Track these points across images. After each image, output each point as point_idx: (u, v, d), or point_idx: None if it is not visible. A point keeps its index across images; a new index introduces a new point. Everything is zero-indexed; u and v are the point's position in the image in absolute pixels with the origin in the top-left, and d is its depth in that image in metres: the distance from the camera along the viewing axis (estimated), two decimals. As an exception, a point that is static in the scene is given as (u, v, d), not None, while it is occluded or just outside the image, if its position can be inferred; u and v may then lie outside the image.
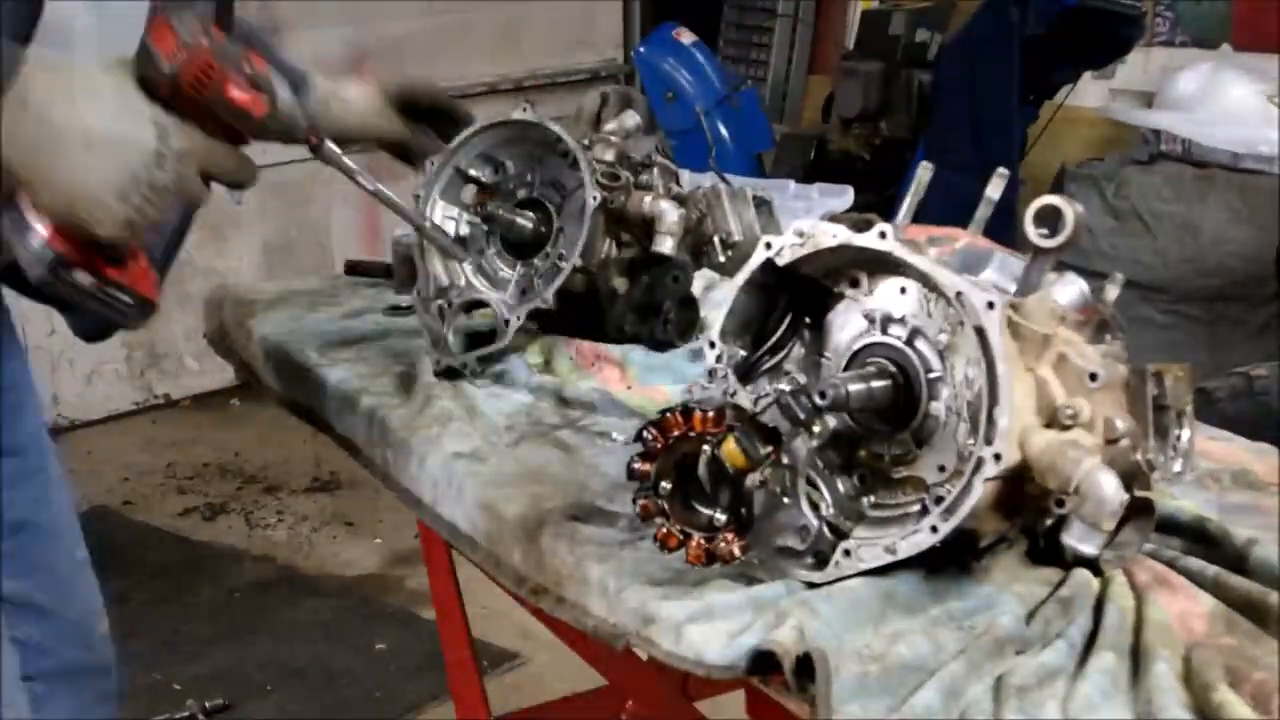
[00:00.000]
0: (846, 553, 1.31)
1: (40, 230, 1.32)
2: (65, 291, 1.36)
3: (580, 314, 1.90)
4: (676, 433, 1.34)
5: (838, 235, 1.33)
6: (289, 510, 4.53)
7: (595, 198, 1.82)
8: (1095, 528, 1.28)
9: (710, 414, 1.32)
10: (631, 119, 1.97)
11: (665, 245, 1.87)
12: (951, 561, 1.33)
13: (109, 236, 1.34)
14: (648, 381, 1.84)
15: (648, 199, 1.89)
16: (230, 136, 1.38)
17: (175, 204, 1.37)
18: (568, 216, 1.89)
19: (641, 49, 6.13)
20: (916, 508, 1.32)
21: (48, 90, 1.28)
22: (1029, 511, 1.32)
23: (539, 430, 1.74)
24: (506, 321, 1.87)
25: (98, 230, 1.33)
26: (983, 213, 1.53)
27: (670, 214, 1.88)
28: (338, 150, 1.56)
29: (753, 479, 1.32)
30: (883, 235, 1.30)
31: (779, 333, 1.41)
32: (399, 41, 5.65)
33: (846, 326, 1.37)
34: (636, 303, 1.87)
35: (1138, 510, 1.31)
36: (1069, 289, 1.34)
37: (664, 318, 1.87)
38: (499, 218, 1.90)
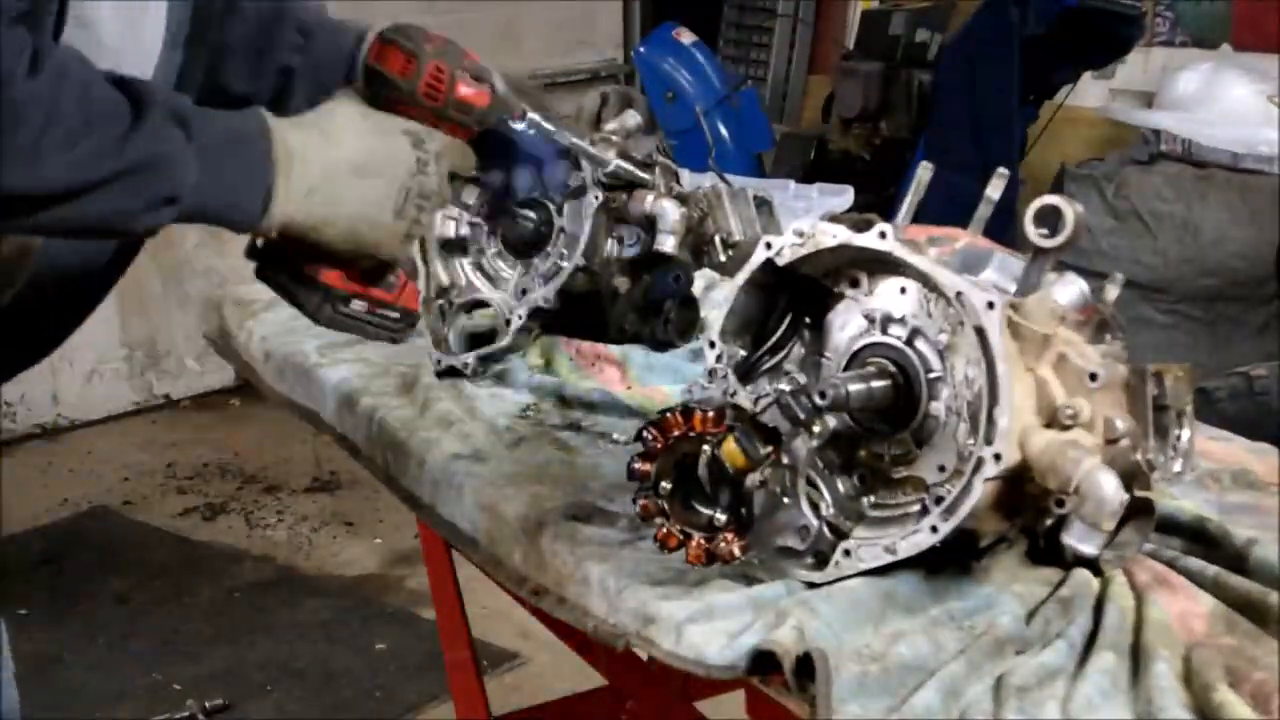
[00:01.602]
0: (846, 553, 1.31)
1: (318, 275, 1.36)
2: (345, 324, 1.39)
3: (581, 313, 1.90)
4: (676, 433, 1.34)
5: (838, 235, 1.33)
6: (289, 510, 4.53)
7: (597, 197, 1.83)
8: (1095, 528, 1.28)
9: (710, 414, 1.32)
10: (633, 119, 1.97)
11: (667, 244, 1.87)
12: (951, 561, 1.33)
13: (392, 255, 1.38)
14: (648, 381, 1.85)
15: (649, 198, 1.89)
16: (453, 132, 1.41)
17: (436, 208, 1.41)
18: (569, 216, 1.89)
19: (641, 49, 6.13)
20: (916, 508, 1.32)
21: (303, 139, 1.31)
22: (1029, 511, 1.32)
23: (539, 430, 1.74)
24: (507, 321, 1.86)
25: (381, 253, 1.37)
26: (983, 213, 1.53)
27: (672, 213, 1.87)
28: (538, 118, 1.55)
29: (753, 479, 1.32)
30: (883, 235, 1.30)
31: (779, 333, 1.41)
32: (399, 41, 5.65)
33: (846, 326, 1.37)
34: (638, 302, 1.87)
35: (1138, 510, 1.31)
36: (1069, 289, 1.34)
37: (664, 317, 1.87)
38: (500, 217, 1.90)
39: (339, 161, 1.32)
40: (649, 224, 1.89)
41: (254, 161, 1.28)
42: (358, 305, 1.38)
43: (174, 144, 1.23)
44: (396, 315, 1.41)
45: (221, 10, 1.52)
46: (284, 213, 1.29)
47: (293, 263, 1.36)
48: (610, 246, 1.89)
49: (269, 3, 1.60)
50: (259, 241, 1.37)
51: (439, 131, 1.38)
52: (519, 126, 1.50)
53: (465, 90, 1.38)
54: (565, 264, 1.86)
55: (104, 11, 1.33)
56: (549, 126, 1.54)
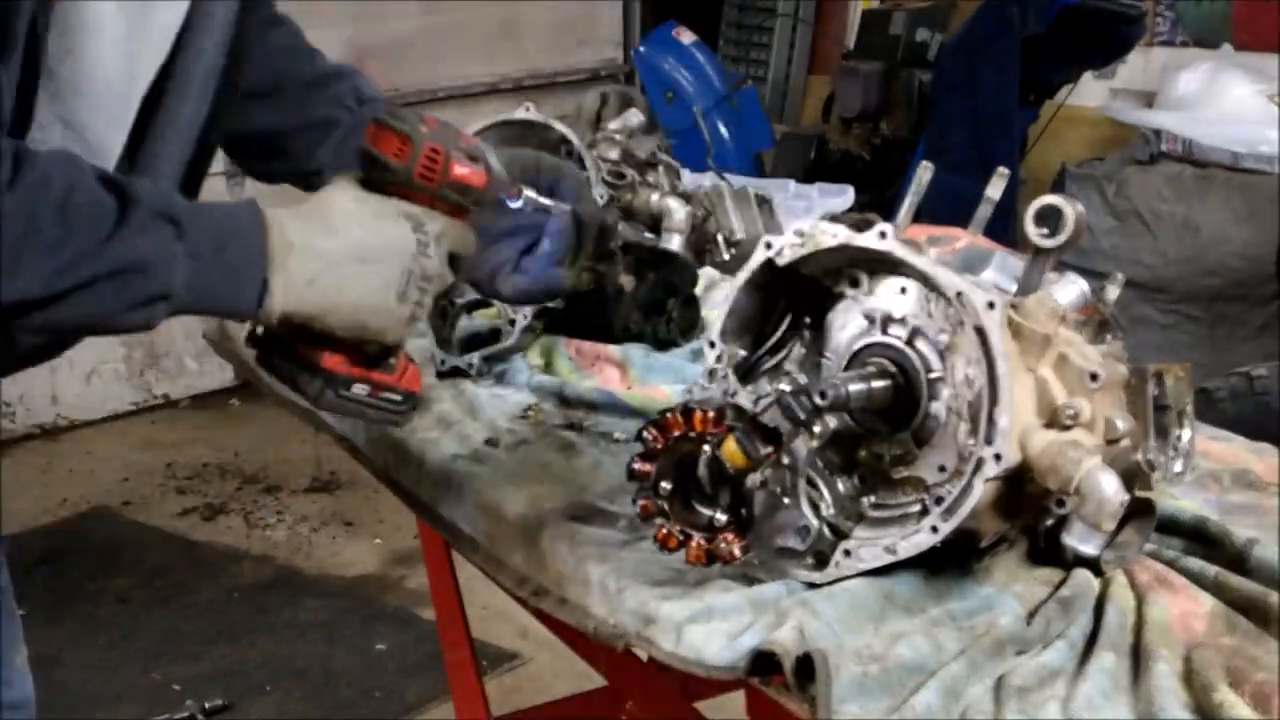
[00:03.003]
0: (847, 553, 1.31)
1: (318, 360, 1.35)
2: (346, 408, 1.38)
3: (586, 313, 1.90)
4: (677, 433, 1.34)
5: (838, 235, 1.33)
6: (288, 510, 4.53)
7: (602, 195, 1.83)
8: (1096, 528, 1.28)
9: (710, 414, 1.32)
10: (635, 118, 1.97)
11: (673, 243, 1.88)
12: (952, 562, 1.33)
13: (396, 340, 1.37)
14: (648, 381, 1.85)
15: (654, 196, 1.89)
16: (452, 213, 1.38)
17: (438, 290, 1.39)
18: (572, 215, 1.89)
19: (641, 49, 6.13)
20: (917, 508, 1.32)
21: (301, 229, 1.30)
22: (1029, 512, 1.32)
23: (540, 430, 1.74)
24: (511, 321, 1.87)
25: (387, 339, 1.36)
26: (983, 212, 1.53)
27: (678, 211, 1.88)
28: (534, 195, 1.52)
29: (753, 479, 1.32)
30: (883, 235, 1.30)
31: (779, 333, 1.41)
32: (399, 41, 5.65)
33: (847, 326, 1.37)
34: (642, 301, 1.88)
35: (1138, 510, 1.31)
36: (1069, 289, 1.34)
37: (667, 316, 1.88)
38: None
39: (340, 250, 1.30)
40: (654, 223, 1.89)
41: (249, 256, 1.27)
42: (359, 389, 1.37)
43: (162, 243, 1.23)
44: (399, 398, 1.40)
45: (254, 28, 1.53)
46: (284, 303, 1.29)
47: (292, 347, 1.35)
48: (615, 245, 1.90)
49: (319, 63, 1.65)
50: (259, 328, 1.36)
51: (437, 213, 1.36)
52: (515, 205, 1.48)
53: (461, 170, 1.35)
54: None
55: (105, 14, 1.32)
56: (545, 201, 1.51)
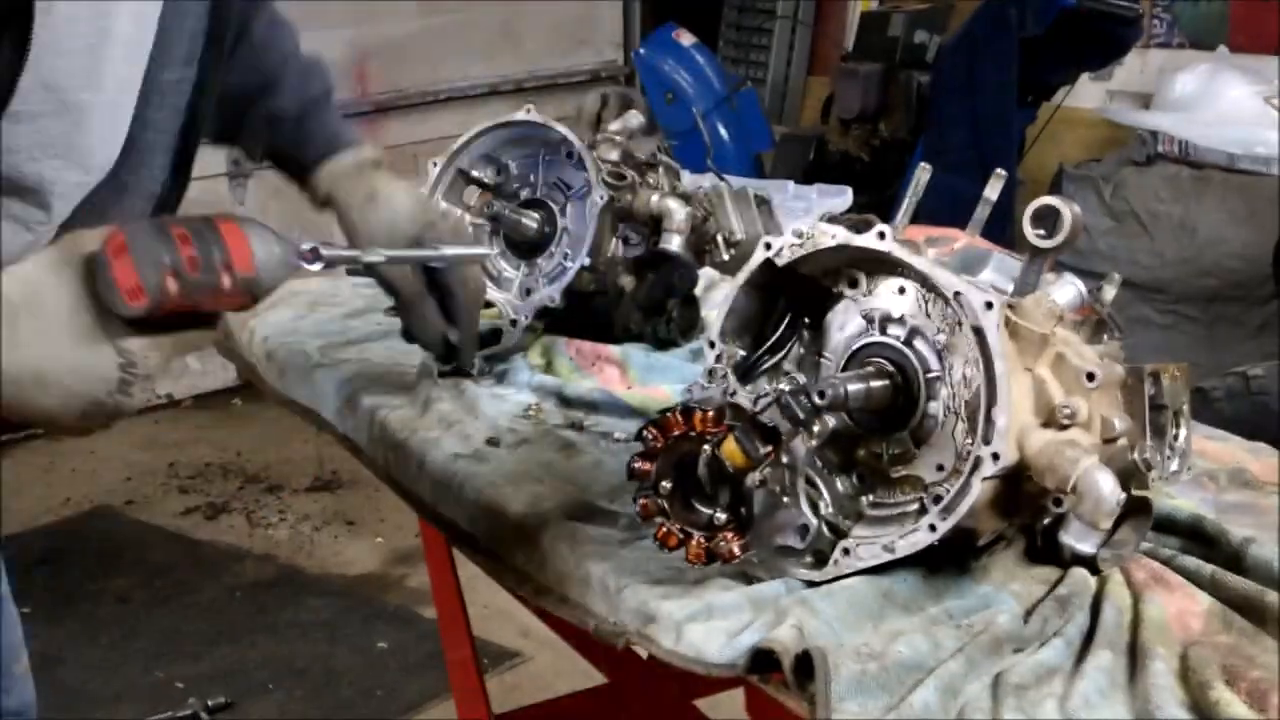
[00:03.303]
0: (845, 551, 1.31)
1: None
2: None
3: (587, 313, 1.91)
4: (676, 432, 1.34)
5: (837, 236, 1.34)
6: (290, 509, 4.54)
7: (602, 196, 1.84)
8: (1093, 526, 1.29)
9: (710, 414, 1.33)
10: (635, 119, 1.98)
11: (673, 243, 1.88)
12: (950, 560, 1.34)
13: (67, 429, 1.20)
14: (648, 381, 1.85)
15: (655, 197, 1.90)
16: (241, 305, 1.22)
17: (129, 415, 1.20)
18: (572, 216, 1.90)
19: (641, 50, 6.13)
20: (915, 507, 1.32)
21: (13, 309, 1.11)
22: (1027, 510, 1.33)
23: (540, 430, 1.75)
24: (513, 321, 1.87)
25: (55, 425, 1.19)
26: (981, 213, 1.54)
27: (678, 212, 1.89)
28: (336, 252, 1.32)
29: (752, 478, 1.32)
30: (881, 236, 1.31)
31: (779, 333, 1.42)
32: (399, 42, 5.66)
33: (845, 326, 1.38)
34: (643, 301, 1.89)
35: (1135, 509, 1.32)
36: (1067, 289, 1.35)
37: (668, 316, 1.89)
38: (504, 218, 1.91)
39: (23, 371, 1.12)
40: (654, 223, 1.90)
41: None
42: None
43: None
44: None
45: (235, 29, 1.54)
46: None
47: None
48: (615, 246, 1.90)
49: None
50: None
51: (166, 337, 1.17)
52: (314, 268, 1.27)
53: (216, 306, 1.17)
54: (570, 264, 1.87)
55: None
56: (347, 253, 1.37)
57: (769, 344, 1.42)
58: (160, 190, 1.47)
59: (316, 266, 1.27)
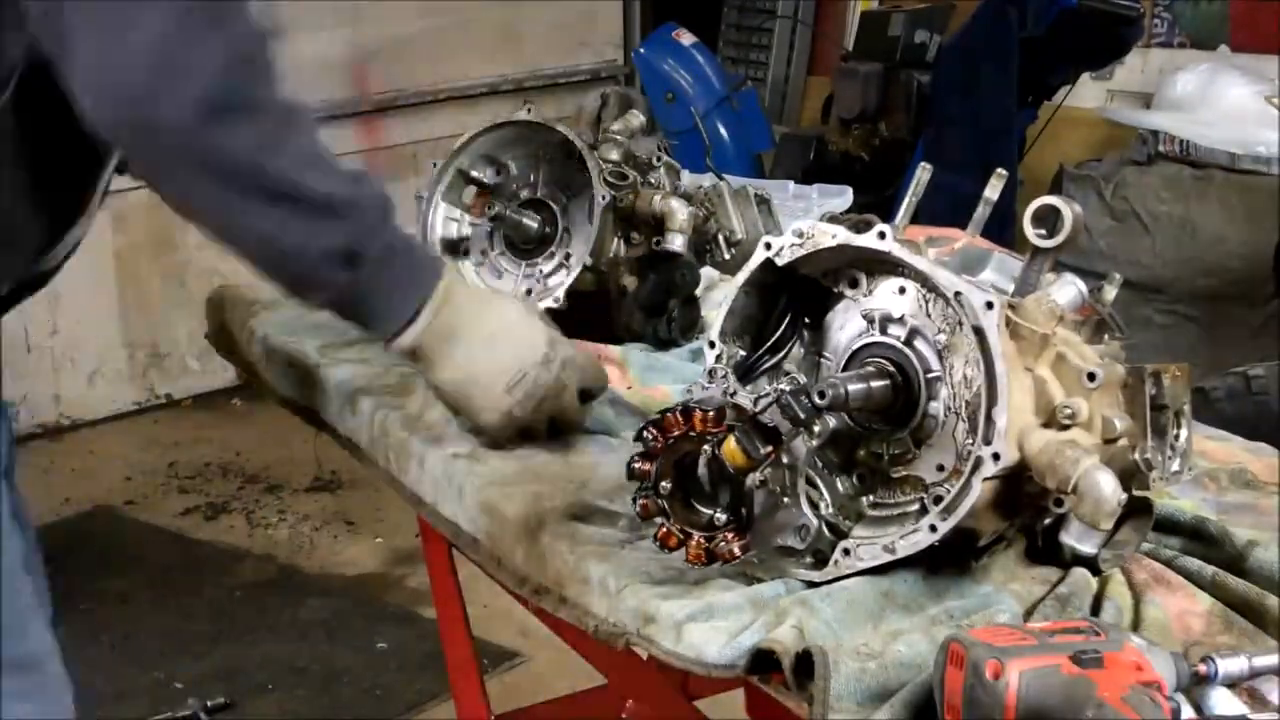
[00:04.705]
0: (846, 552, 1.31)
1: None
2: None
3: (589, 313, 1.91)
4: (676, 432, 1.34)
5: (837, 235, 1.34)
6: (290, 509, 4.54)
7: (604, 196, 1.84)
8: (1093, 527, 1.29)
9: (710, 414, 1.33)
10: (637, 119, 1.98)
11: (676, 243, 1.88)
12: (950, 561, 1.34)
13: (487, 424, 1.57)
14: (648, 381, 1.85)
15: (657, 197, 1.90)
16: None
17: (549, 412, 1.59)
18: (573, 216, 1.90)
19: (641, 50, 6.13)
20: (915, 507, 1.32)
21: (467, 295, 1.56)
22: (1027, 511, 1.33)
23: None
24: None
25: (480, 417, 1.57)
26: (981, 213, 1.54)
27: (681, 212, 1.89)
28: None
29: (753, 478, 1.32)
30: (882, 236, 1.31)
31: (779, 333, 1.42)
32: (399, 42, 5.65)
33: (846, 326, 1.38)
34: (644, 301, 1.89)
35: (1136, 509, 1.32)
36: (1067, 289, 1.35)
37: (669, 316, 1.89)
38: (506, 218, 1.91)
39: (481, 325, 1.53)
40: (656, 223, 1.90)
41: (418, 283, 1.49)
42: None
43: (376, 220, 1.45)
44: None
45: None
46: (417, 338, 1.50)
47: None
48: (616, 246, 1.90)
49: None
50: None
51: (578, 347, 1.57)
52: None
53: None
54: (572, 264, 1.87)
55: None
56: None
57: (769, 344, 1.42)
58: None
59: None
